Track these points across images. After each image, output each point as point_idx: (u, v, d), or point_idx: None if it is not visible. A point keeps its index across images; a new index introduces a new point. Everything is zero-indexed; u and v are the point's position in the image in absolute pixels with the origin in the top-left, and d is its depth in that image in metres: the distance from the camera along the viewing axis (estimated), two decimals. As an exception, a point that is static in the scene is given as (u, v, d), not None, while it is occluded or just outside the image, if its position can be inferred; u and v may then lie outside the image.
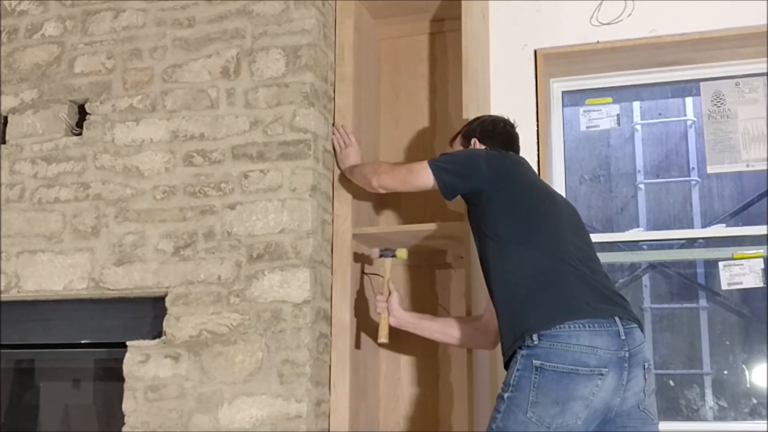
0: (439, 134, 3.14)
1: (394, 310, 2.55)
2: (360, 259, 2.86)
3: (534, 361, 2.04)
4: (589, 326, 2.05)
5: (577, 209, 2.43)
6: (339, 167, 2.82)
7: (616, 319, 2.09)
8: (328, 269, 2.75)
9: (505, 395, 2.07)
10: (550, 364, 2.03)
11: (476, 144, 2.53)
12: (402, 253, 2.66)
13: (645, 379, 2.11)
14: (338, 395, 2.69)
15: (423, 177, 2.45)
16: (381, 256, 2.66)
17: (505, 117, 2.64)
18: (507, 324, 2.15)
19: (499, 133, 2.55)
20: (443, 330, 2.53)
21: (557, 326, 2.04)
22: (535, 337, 2.06)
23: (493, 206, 2.30)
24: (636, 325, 2.13)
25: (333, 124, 2.86)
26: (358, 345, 2.79)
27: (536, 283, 2.15)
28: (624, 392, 2.06)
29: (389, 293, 2.58)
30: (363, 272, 2.93)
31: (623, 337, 2.07)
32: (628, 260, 3.19)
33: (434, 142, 3.14)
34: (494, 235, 2.26)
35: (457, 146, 2.60)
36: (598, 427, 2.07)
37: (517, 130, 2.62)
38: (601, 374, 2.02)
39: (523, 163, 2.47)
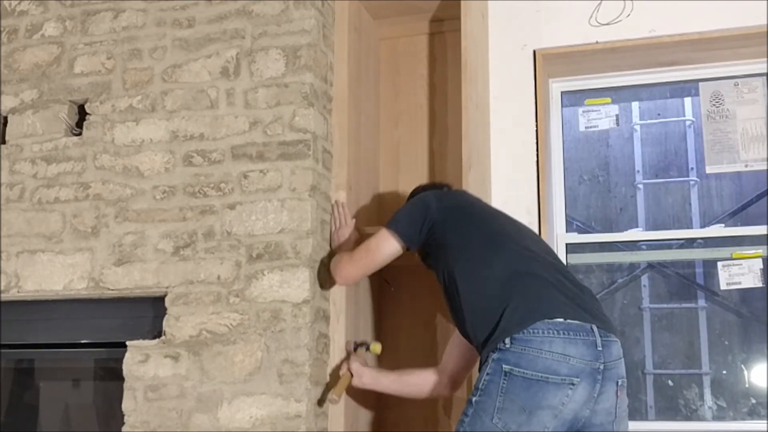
0: (438, 134, 3.14)
1: (357, 370, 2.56)
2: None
3: (504, 366, 2.01)
4: (564, 333, 2.01)
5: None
6: (331, 245, 2.77)
7: (594, 328, 2.04)
8: (328, 269, 2.75)
9: (474, 399, 2.05)
10: (519, 370, 1.99)
11: None
12: (376, 347, 2.71)
13: (617, 396, 2.06)
14: (338, 395, 2.69)
15: (385, 247, 2.42)
16: (355, 349, 2.69)
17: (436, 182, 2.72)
18: (483, 336, 2.11)
19: (430, 188, 2.60)
20: (400, 379, 2.54)
21: (529, 327, 2.01)
22: (507, 340, 2.02)
23: (453, 232, 2.30)
24: (616, 340, 2.09)
25: (334, 202, 2.80)
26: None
27: (505, 291, 2.11)
28: (594, 405, 2.02)
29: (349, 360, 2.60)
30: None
31: (600, 348, 2.03)
32: (627, 260, 3.19)
33: (433, 143, 3.14)
34: (459, 259, 2.24)
35: None
36: None
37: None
38: (572, 384, 1.98)
39: (470, 194, 2.51)
